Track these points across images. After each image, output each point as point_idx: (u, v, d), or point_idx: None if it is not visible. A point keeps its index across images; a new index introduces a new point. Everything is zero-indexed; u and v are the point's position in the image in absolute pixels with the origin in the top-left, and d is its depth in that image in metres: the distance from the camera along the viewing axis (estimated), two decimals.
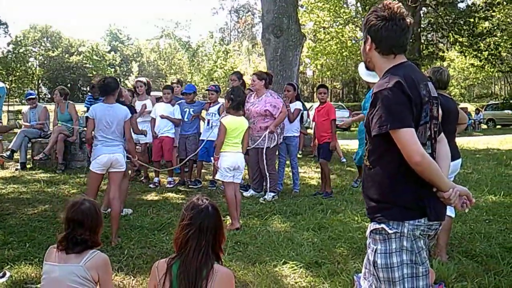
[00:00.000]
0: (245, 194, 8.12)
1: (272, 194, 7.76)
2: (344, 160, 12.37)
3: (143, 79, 10.02)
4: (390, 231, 2.53)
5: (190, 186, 8.86)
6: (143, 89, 9.49)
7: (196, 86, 13.76)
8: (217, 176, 6.57)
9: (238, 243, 5.48)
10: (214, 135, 8.70)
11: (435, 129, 2.65)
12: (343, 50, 32.89)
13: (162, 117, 8.83)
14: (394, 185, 2.57)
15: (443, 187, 2.51)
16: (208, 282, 2.67)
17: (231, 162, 6.27)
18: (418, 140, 2.45)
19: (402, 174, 2.53)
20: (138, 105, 9.18)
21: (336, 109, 9.23)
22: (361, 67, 6.39)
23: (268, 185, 7.91)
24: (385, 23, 2.59)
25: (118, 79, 6.91)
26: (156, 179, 8.96)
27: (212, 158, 8.29)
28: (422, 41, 33.00)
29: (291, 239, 5.62)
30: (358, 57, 31.72)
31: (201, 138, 9.02)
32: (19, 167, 10.38)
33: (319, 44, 33.33)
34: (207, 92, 9.70)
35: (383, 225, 2.56)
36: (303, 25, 27.92)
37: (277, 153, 8.51)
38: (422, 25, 32.21)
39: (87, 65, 40.45)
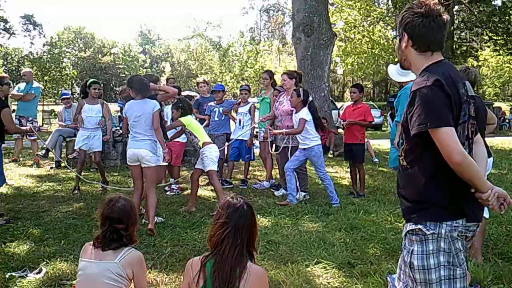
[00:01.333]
0: (276, 193, 8.13)
1: (303, 193, 7.72)
2: (377, 160, 12.26)
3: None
4: (427, 232, 2.49)
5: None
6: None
7: (226, 86, 13.84)
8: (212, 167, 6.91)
9: (270, 242, 5.48)
10: (245, 134, 8.76)
11: (472, 129, 2.56)
12: (374, 49, 32.56)
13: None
14: (432, 185, 2.51)
15: (482, 188, 2.44)
16: (241, 281, 2.68)
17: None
18: (458, 139, 2.40)
19: (440, 174, 2.48)
20: None
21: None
22: (391, 68, 6.32)
23: (298, 184, 7.88)
24: (422, 19, 2.56)
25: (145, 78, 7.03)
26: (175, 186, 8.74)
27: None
28: (455, 39, 32.45)
29: (323, 239, 5.60)
30: (390, 56, 31.36)
31: (231, 137, 9.06)
32: (54, 165, 10.60)
33: (350, 43, 33.06)
34: (239, 92, 9.73)
35: (419, 226, 2.51)
36: (334, 24, 27.73)
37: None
38: (455, 23, 31.67)
39: (120, 66, 40.99)
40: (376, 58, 33.81)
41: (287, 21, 60.21)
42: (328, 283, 4.41)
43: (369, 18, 31.27)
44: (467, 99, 2.51)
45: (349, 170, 8.34)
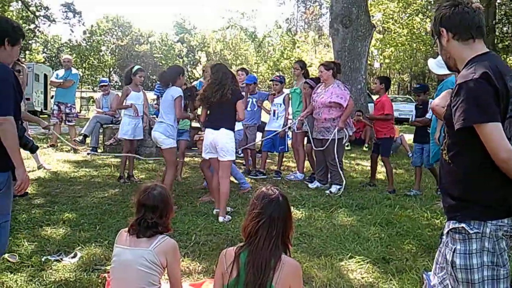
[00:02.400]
0: (310, 185, 8.07)
1: (338, 186, 7.63)
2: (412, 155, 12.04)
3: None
4: (470, 231, 2.40)
5: (251, 176, 8.86)
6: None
7: (259, 77, 13.82)
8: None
9: (303, 234, 5.43)
10: (279, 125, 8.71)
11: None
12: (413, 42, 32.01)
13: None
14: (476, 182, 2.42)
15: None
16: (275, 272, 2.65)
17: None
18: (505, 135, 2.29)
19: (485, 170, 2.38)
20: None
21: (404, 102, 8.95)
22: (430, 61, 6.19)
23: (332, 177, 7.82)
24: (454, 8, 2.53)
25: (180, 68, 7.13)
26: None
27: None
28: (497, 34, 31.55)
29: (358, 233, 5.53)
30: (429, 49, 30.79)
31: (266, 128, 9.04)
32: (90, 151, 10.75)
33: (388, 35, 32.58)
34: (271, 82, 9.68)
35: (463, 225, 2.42)
36: (372, 15, 27.34)
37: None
38: (497, 17, 30.80)
39: (156, 55, 41.38)
40: (415, 51, 33.26)
41: (323, 12, 59.66)
42: (362, 278, 4.34)
43: (408, 10, 30.73)
44: None
45: (383, 164, 8.22)
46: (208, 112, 6.26)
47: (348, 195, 7.46)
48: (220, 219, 5.93)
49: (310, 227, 5.75)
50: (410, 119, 7.79)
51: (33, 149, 4.02)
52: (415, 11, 30.69)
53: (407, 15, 31.17)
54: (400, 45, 32.26)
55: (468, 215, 2.43)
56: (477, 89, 2.32)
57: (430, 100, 7.33)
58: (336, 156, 7.57)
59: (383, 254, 4.83)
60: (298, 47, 38.00)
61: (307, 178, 8.62)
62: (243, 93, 7.49)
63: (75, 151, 10.76)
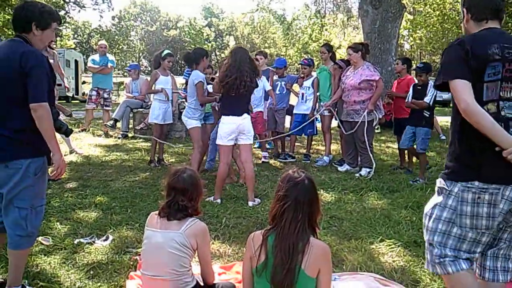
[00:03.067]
0: (339, 168, 8.00)
1: (368, 169, 7.56)
2: (444, 137, 11.85)
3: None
4: (439, 185, 2.82)
5: (280, 159, 8.83)
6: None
7: (289, 60, 13.72)
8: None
9: (333, 217, 5.40)
10: (308, 108, 8.64)
11: None
12: (444, 23, 31.30)
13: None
14: (456, 143, 2.76)
15: (502, 144, 2.52)
16: (304, 256, 2.64)
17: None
18: (468, 91, 2.57)
19: (462, 131, 2.70)
20: None
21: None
22: None
23: (362, 160, 7.74)
24: None
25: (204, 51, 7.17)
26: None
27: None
28: None
29: (388, 216, 5.47)
30: (460, 30, 30.06)
31: (294, 111, 8.99)
32: (121, 135, 10.87)
33: (419, 16, 31.93)
34: (299, 66, 9.58)
35: (439, 179, 2.83)
36: None
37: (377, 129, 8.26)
38: None
39: (185, 39, 41.48)
40: (446, 32, 32.51)
41: None
42: (393, 261, 4.29)
43: None
44: (502, 58, 2.61)
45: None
46: (226, 99, 6.12)
47: (378, 178, 7.38)
48: (250, 203, 5.93)
49: (340, 210, 5.72)
50: (406, 100, 7.53)
51: (67, 133, 4.05)
52: None
53: None
54: (431, 26, 31.58)
55: (445, 174, 2.79)
56: (449, 53, 2.73)
57: (431, 82, 7.12)
58: (366, 138, 7.48)
59: (414, 238, 4.76)
60: (326, 29, 37.58)
61: (335, 161, 8.55)
62: (264, 77, 7.54)
63: (107, 135, 10.89)
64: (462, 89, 2.58)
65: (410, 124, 7.40)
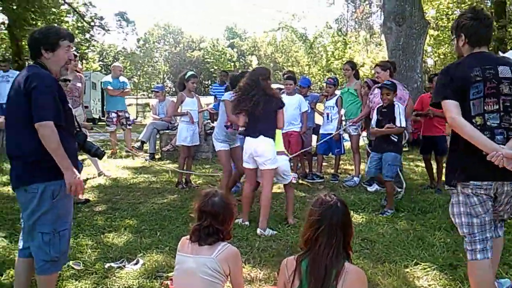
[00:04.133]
0: (369, 189, 7.89)
1: (398, 189, 7.43)
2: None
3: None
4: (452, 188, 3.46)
5: (308, 180, 8.75)
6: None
7: (312, 78, 13.71)
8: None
9: (365, 240, 5.31)
10: (333, 128, 8.58)
11: (507, 104, 3.28)
12: None
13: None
14: (451, 153, 3.53)
15: (485, 149, 3.13)
16: (339, 281, 2.60)
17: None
18: (454, 108, 3.25)
19: (456, 144, 3.38)
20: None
21: None
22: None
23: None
24: (474, 21, 3.40)
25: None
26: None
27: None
28: None
29: (422, 238, 5.36)
30: None
31: (321, 131, 8.94)
32: (148, 157, 10.94)
33: (442, 32, 31.69)
34: (324, 85, 9.53)
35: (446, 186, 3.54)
36: (425, 12, 26.64)
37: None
38: None
39: (208, 60, 41.86)
40: None
41: (374, 10, 58.72)
42: (429, 285, 4.19)
43: (463, 6, 29.80)
44: (483, 79, 3.25)
45: (437, 163, 8.00)
46: (247, 119, 6.00)
47: (409, 198, 7.23)
48: (258, 231, 5.61)
49: (371, 232, 5.62)
50: (371, 126, 7.07)
51: (98, 154, 4.05)
52: (469, 6, 29.70)
53: (461, 10, 30.22)
54: None
55: (448, 177, 3.50)
56: (438, 78, 3.50)
57: (397, 103, 6.74)
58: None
59: (450, 260, 4.65)
60: (349, 47, 37.55)
61: (364, 181, 8.44)
62: (300, 97, 7.35)
63: (134, 156, 10.96)
64: (449, 107, 3.27)
65: (375, 150, 6.83)
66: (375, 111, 6.90)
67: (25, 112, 3.25)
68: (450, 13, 30.41)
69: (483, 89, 3.25)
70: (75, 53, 9.26)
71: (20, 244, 3.61)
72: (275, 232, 5.62)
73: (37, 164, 3.29)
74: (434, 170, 8.09)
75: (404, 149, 8.72)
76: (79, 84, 8.31)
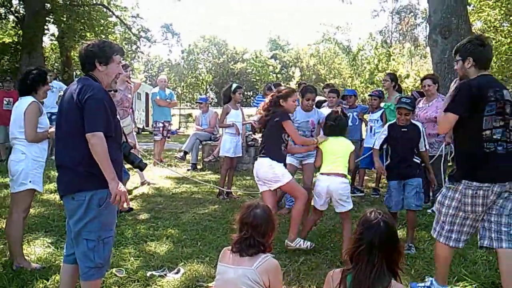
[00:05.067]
0: None
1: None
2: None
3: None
4: (448, 185, 4.08)
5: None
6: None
7: (356, 90, 13.63)
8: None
9: (406, 256, 5.23)
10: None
11: (507, 122, 3.85)
12: None
13: None
14: (458, 155, 4.22)
15: None
16: None
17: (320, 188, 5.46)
18: (452, 121, 3.90)
19: (461, 148, 4.13)
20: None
21: None
22: None
23: (436, 195, 7.48)
24: (482, 47, 4.01)
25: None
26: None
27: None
28: None
29: (464, 255, 5.26)
30: None
31: (364, 145, 8.85)
32: (190, 167, 11.11)
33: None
34: (369, 97, 9.44)
35: (448, 182, 4.09)
36: (472, 24, 26.09)
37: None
38: None
39: (251, 72, 42.11)
40: None
41: (418, 22, 57.95)
42: None
43: (511, 17, 29.09)
44: (496, 100, 3.81)
45: None
46: None
47: None
48: (286, 242, 5.34)
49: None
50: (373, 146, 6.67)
51: (141, 167, 4.17)
52: None
53: (510, 23, 29.48)
54: (502, 54, 30.59)
55: (452, 176, 4.04)
56: (460, 94, 3.89)
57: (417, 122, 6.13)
58: (442, 173, 7.21)
59: (492, 278, 4.58)
60: (393, 59, 37.10)
61: None
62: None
63: (155, 164, 11.14)
64: (453, 121, 3.90)
65: (395, 177, 5.85)
66: (386, 130, 6.05)
67: (77, 122, 3.38)
68: (498, 25, 29.73)
69: (495, 108, 3.82)
70: (127, 63, 9.57)
71: (66, 250, 3.75)
72: (308, 243, 5.33)
73: (85, 173, 3.41)
74: None
75: (448, 164, 8.56)
76: (129, 95, 8.56)
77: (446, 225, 4.07)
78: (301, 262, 5.06)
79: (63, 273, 3.77)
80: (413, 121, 5.96)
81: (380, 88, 10.81)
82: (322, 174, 5.47)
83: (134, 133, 8.81)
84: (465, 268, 4.89)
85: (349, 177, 5.48)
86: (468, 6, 23.76)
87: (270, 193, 5.43)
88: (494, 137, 3.82)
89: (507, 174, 3.85)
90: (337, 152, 5.48)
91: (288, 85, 6.91)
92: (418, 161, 5.84)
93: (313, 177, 6.56)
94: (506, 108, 3.86)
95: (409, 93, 21.60)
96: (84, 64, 3.67)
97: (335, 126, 5.62)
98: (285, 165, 5.49)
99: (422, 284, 4.45)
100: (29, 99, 4.81)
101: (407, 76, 33.23)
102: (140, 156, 4.20)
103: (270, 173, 5.32)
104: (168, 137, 11.88)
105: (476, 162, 3.85)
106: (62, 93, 11.95)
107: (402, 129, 5.82)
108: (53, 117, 10.97)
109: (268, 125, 5.46)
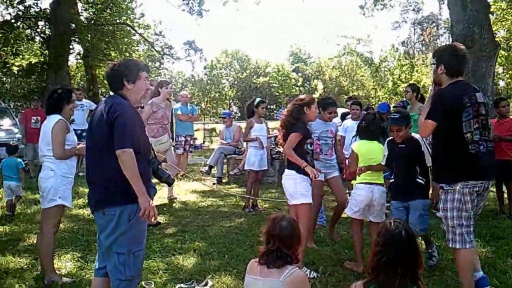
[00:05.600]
0: (438, 214, 7.61)
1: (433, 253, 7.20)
2: None
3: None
4: (445, 188, 4.27)
5: None
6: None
7: (377, 102, 13.54)
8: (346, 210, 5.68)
9: (433, 267, 5.21)
10: None
11: (484, 122, 4.19)
12: None
13: None
14: (442, 159, 4.41)
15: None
16: None
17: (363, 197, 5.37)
18: (432, 128, 4.22)
19: (449, 151, 4.30)
20: None
21: None
22: None
23: None
24: (453, 56, 4.28)
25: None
26: None
27: None
28: None
29: (493, 265, 5.21)
30: None
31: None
32: (216, 181, 11.20)
33: None
34: (393, 109, 9.40)
35: (442, 185, 4.33)
36: (495, 33, 25.78)
37: None
38: None
39: (274, 85, 42.22)
40: None
41: (441, 32, 57.50)
42: None
43: None
44: (471, 105, 4.12)
45: (507, 188, 7.79)
46: None
47: (480, 224, 6.99)
48: None
49: (441, 259, 5.51)
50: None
51: (169, 182, 4.23)
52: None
53: None
54: None
55: (445, 179, 4.31)
56: (435, 103, 4.25)
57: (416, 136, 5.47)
58: None
59: None
60: (416, 70, 36.87)
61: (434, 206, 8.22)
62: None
63: (177, 176, 11.14)
64: (431, 127, 4.22)
65: (398, 198, 5.37)
66: (385, 145, 5.46)
67: (107, 139, 3.48)
68: None
69: (471, 112, 4.12)
70: (168, 80, 9.74)
71: (97, 264, 3.82)
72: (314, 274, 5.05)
73: (116, 189, 3.49)
74: (505, 196, 7.84)
75: None
76: (168, 113, 8.71)
77: (457, 229, 4.18)
78: (328, 273, 5.07)
79: (94, 286, 3.85)
80: (413, 135, 5.32)
81: (404, 99, 10.73)
82: (362, 183, 5.37)
83: (172, 150, 8.96)
84: (495, 278, 4.82)
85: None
86: (490, 15, 23.59)
87: (293, 208, 5.35)
88: (474, 138, 4.13)
89: (492, 170, 4.34)
90: (373, 155, 5.40)
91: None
92: (423, 182, 5.20)
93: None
94: (480, 110, 4.18)
95: None
96: (111, 84, 3.77)
97: (369, 128, 5.54)
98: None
99: None
100: (56, 117, 4.93)
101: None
102: (167, 172, 4.25)
103: (291, 188, 5.30)
104: (191, 151, 12.00)
105: (466, 163, 4.15)
106: (90, 111, 12.27)
107: (400, 145, 5.25)
108: (84, 134, 11.22)
109: (290, 135, 5.31)
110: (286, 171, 5.42)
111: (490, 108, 11.85)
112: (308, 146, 5.38)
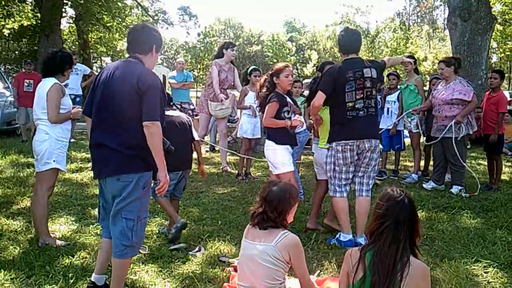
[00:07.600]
0: (425, 186, 7.74)
1: (459, 187, 7.32)
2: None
3: None
4: (324, 146, 5.32)
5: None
6: None
7: None
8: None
9: (425, 236, 5.28)
10: (393, 123, 8.49)
11: (368, 93, 4.93)
12: None
13: None
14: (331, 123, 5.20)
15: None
16: (403, 275, 2.61)
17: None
18: (322, 99, 4.95)
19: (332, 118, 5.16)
20: None
21: None
22: None
23: (454, 177, 7.51)
24: (341, 36, 5.19)
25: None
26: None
27: None
28: None
29: (483, 236, 5.29)
30: None
31: (380, 126, 8.81)
32: (208, 149, 11.20)
33: (509, 26, 30.46)
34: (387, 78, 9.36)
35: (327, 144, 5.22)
36: (492, 7, 25.63)
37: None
38: None
39: (268, 54, 41.89)
40: None
41: (437, 4, 57.12)
42: (489, 283, 4.17)
43: None
44: (354, 78, 4.87)
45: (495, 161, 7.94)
46: None
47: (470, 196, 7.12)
48: None
49: (431, 229, 5.59)
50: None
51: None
52: None
53: None
54: None
55: (328, 139, 5.17)
56: (324, 77, 5.09)
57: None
58: (458, 154, 7.23)
59: (511, 259, 4.59)
60: (411, 42, 36.76)
61: (425, 178, 8.32)
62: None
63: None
64: (320, 97, 4.93)
65: None
66: None
67: (133, 108, 3.44)
68: None
69: (354, 85, 4.87)
70: (234, 42, 9.59)
71: (103, 225, 3.84)
72: None
73: (134, 156, 3.48)
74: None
75: (468, 147, 8.55)
76: (230, 77, 8.82)
77: (332, 179, 5.11)
78: (320, 241, 5.14)
79: (103, 247, 3.84)
80: None
81: (395, 70, 10.71)
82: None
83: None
84: (484, 248, 4.92)
85: None
86: None
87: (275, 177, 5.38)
88: (356, 106, 4.89)
89: (368, 132, 4.96)
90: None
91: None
92: None
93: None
94: (366, 84, 4.91)
95: (427, 76, 21.48)
96: (139, 44, 3.69)
97: None
98: (293, 144, 5.53)
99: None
100: (51, 81, 4.88)
101: (425, 59, 32.95)
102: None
103: (272, 158, 5.42)
104: (196, 116, 11.68)
105: (341, 126, 4.95)
106: (84, 75, 12.12)
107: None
108: (78, 99, 11.14)
109: (267, 107, 5.36)
110: (266, 141, 5.49)
111: (484, 82, 11.94)
112: (285, 114, 5.38)
